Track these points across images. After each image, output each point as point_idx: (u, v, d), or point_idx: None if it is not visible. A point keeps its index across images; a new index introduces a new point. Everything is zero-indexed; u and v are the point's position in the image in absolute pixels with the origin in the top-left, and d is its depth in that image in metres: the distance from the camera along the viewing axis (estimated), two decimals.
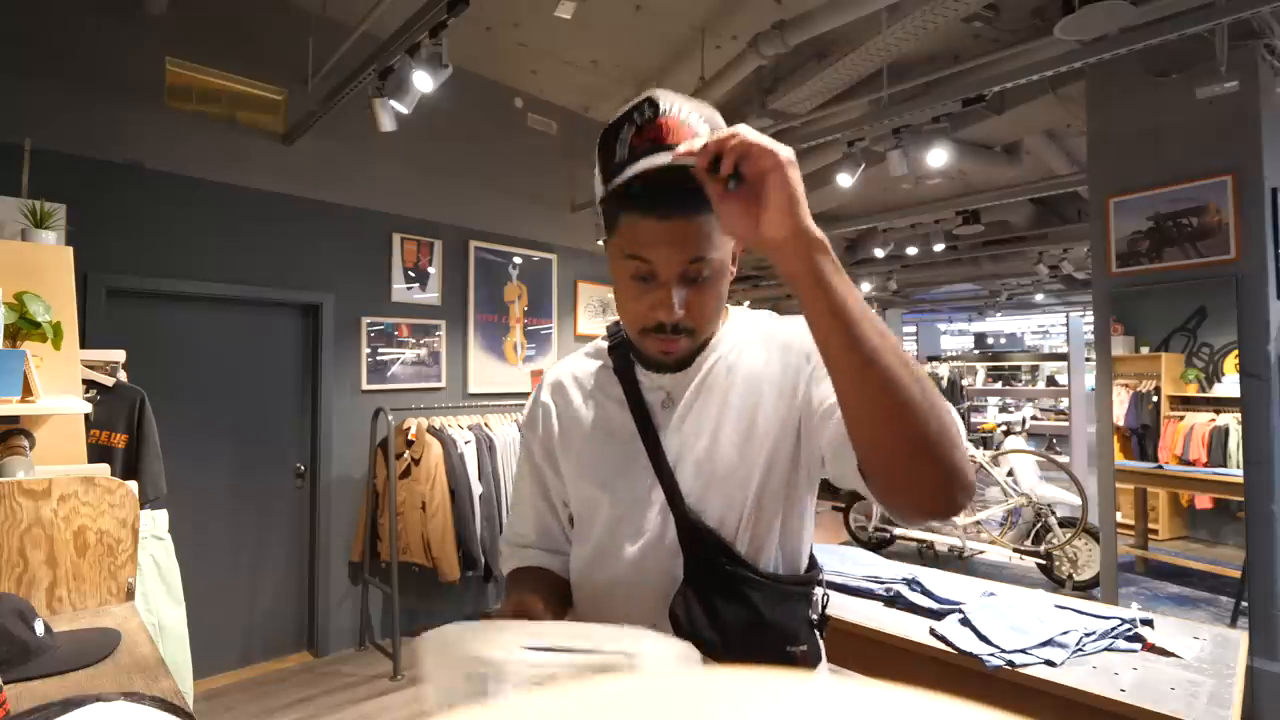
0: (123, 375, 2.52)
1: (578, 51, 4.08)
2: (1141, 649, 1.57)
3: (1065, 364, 6.63)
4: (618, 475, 0.85)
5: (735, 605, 0.77)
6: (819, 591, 0.85)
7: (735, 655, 0.75)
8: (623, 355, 0.89)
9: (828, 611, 0.86)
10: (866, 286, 9.61)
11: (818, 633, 0.84)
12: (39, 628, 1.24)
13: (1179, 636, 1.62)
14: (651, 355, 0.81)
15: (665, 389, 0.85)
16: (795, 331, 0.84)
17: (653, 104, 0.69)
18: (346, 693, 3.20)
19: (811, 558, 0.87)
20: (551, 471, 0.93)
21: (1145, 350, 3.23)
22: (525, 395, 4.25)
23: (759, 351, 0.85)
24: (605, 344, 0.93)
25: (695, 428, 0.83)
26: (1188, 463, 3.09)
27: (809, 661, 0.81)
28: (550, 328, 4.74)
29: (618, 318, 0.87)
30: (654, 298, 0.75)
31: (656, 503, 0.82)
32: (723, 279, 0.78)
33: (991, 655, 1.54)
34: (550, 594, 0.88)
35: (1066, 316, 9.12)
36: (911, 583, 1.95)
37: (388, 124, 2.95)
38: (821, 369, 0.82)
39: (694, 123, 0.69)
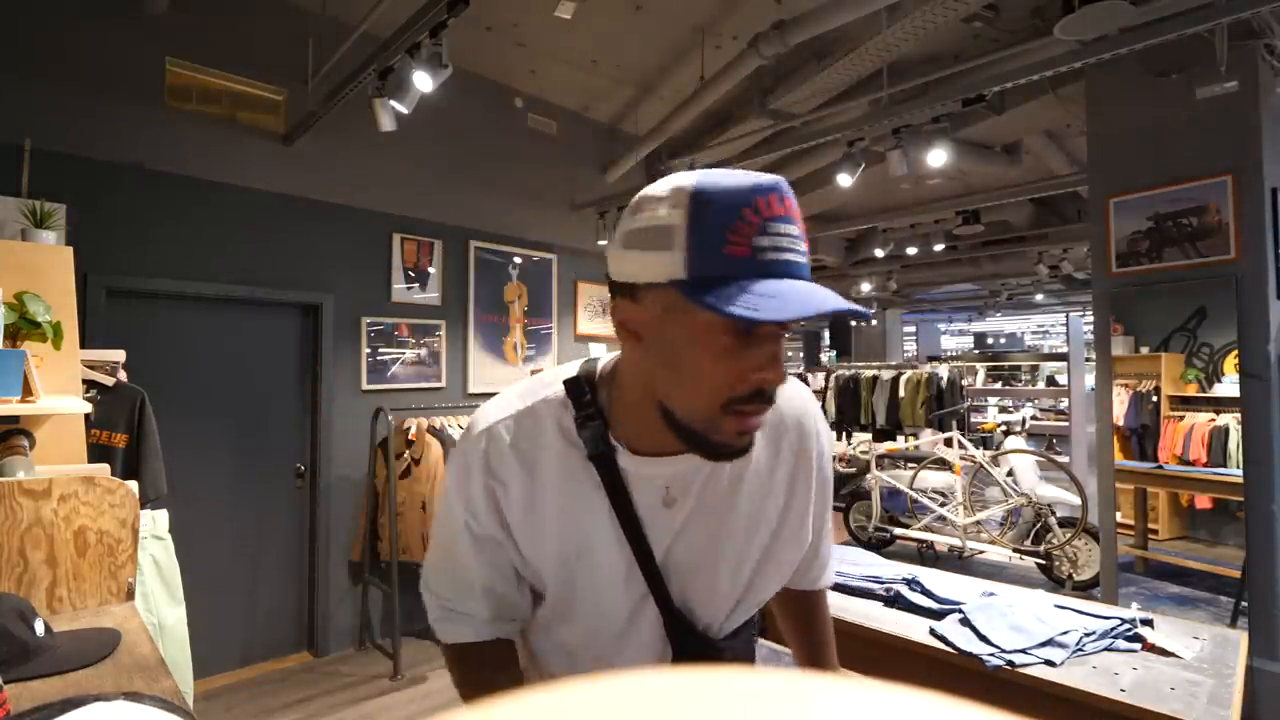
0: (123, 375, 2.52)
1: (578, 51, 4.08)
2: (1141, 649, 1.57)
3: (1065, 364, 6.63)
4: (598, 574, 0.73)
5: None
6: None
7: None
8: (596, 432, 0.69)
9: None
10: (866, 286, 9.61)
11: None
12: (39, 627, 1.24)
13: (1179, 636, 1.62)
14: (725, 440, 0.62)
15: (665, 481, 0.70)
16: (799, 398, 0.82)
17: (779, 189, 0.59)
18: (346, 693, 3.20)
19: None
20: (504, 537, 0.75)
21: (1145, 350, 3.23)
22: None
23: (766, 434, 0.78)
24: (556, 396, 0.72)
25: (697, 528, 0.73)
26: (1188, 463, 3.09)
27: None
28: (550, 328, 4.74)
29: (585, 362, 0.75)
30: (761, 355, 0.59)
31: (644, 603, 0.75)
32: None
33: (991, 655, 1.54)
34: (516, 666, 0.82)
35: (1066, 316, 9.12)
36: (911, 583, 1.95)
37: (388, 124, 2.95)
38: (825, 456, 0.84)
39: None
